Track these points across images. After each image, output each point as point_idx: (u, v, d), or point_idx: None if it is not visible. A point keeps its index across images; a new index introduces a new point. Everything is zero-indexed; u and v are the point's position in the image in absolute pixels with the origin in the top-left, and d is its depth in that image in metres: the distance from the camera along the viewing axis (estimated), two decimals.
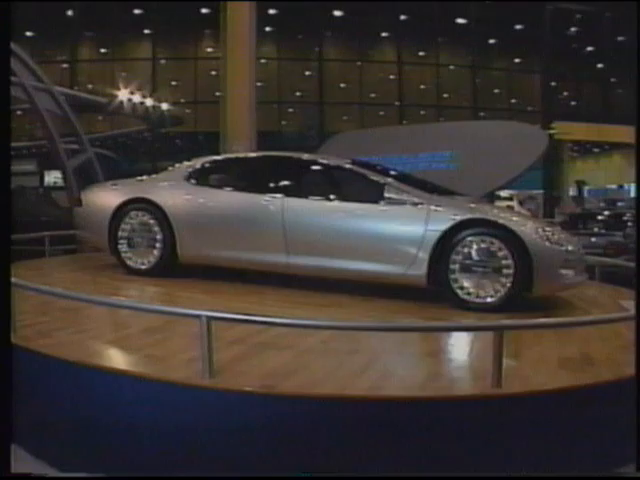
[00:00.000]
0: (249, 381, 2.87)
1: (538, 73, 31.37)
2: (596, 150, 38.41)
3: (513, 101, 35.08)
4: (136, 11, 31.04)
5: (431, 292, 4.67)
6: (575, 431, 2.87)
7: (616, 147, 33.41)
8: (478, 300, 4.42)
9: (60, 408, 3.16)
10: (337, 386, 2.88)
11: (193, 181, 5.53)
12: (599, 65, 33.98)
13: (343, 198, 4.99)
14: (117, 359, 3.34)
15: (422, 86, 34.20)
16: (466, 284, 4.46)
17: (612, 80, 33.90)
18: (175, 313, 3.30)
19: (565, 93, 34.96)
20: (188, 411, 2.85)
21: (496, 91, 35.15)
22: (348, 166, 5.21)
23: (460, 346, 3.72)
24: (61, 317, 3.93)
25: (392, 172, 5.42)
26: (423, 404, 2.79)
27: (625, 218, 12.35)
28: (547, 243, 4.39)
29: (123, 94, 24.45)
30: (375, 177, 4.99)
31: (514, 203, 21.55)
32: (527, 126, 12.44)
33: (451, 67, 34.28)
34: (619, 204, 25.30)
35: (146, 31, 32.48)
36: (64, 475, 3.06)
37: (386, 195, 4.77)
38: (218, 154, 6.71)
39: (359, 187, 5.06)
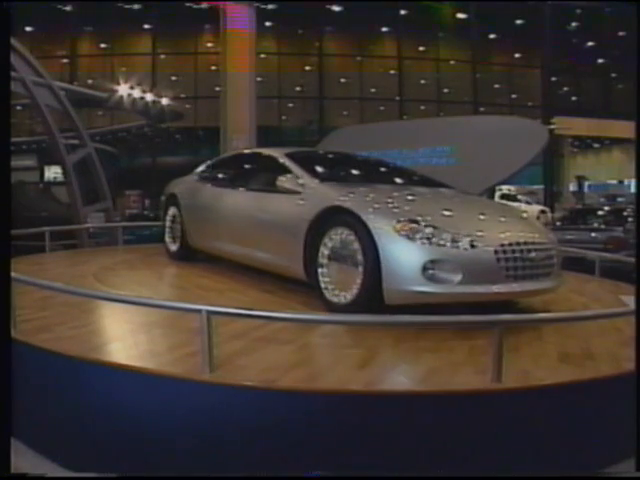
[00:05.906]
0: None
1: (539, 68, 31.35)
2: (596, 145, 38.40)
3: (513, 96, 35.06)
4: (136, 6, 30.98)
5: None
6: (574, 426, 2.87)
7: (616, 142, 33.43)
8: (334, 299, 3.92)
9: (60, 403, 3.16)
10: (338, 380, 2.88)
11: (200, 179, 6.15)
12: (600, 60, 33.94)
13: (251, 187, 5.16)
14: (117, 354, 3.34)
15: (422, 81, 34.17)
16: (329, 280, 4.01)
17: (612, 75, 33.88)
18: (175, 308, 3.30)
19: (565, 88, 34.93)
20: (188, 405, 2.85)
21: (496, 86, 35.11)
22: (256, 152, 5.65)
23: None
24: (61, 312, 3.93)
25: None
26: (423, 399, 2.79)
27: (625, 213, 12.34)
28: (405, 236, 3.55)
29: (123, 89, 24.44)
30: (282, 164, 4.85)
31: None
32: (527, 121, 12.41)
33: (451, 62, 34.23)
34: (619, 199, 25.30)
35: (146, 26, 32.41)
36: (64, 475, 3.05)
37: (278, 184, 4.55)
38: (218, 149, 7.01)
39: (262, 175, 5.13)
